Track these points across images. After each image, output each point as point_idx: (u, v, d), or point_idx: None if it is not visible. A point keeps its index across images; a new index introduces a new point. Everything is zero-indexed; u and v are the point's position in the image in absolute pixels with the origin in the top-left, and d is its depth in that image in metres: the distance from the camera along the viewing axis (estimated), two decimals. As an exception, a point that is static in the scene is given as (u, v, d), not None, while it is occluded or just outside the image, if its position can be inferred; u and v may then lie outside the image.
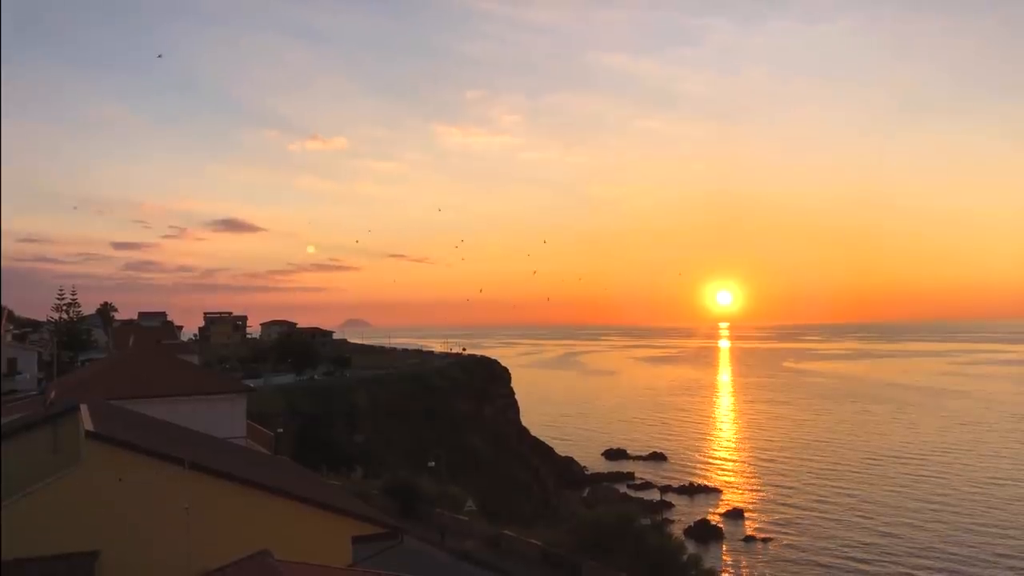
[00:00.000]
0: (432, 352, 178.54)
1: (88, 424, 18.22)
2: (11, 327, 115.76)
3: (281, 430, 59.30)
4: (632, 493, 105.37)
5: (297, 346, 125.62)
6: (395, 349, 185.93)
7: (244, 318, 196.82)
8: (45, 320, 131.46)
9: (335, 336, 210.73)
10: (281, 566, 13.65)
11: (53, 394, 37.45)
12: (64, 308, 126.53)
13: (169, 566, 16.06)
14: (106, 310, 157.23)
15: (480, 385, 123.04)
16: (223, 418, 36.96)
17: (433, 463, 54.75)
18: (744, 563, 76.93)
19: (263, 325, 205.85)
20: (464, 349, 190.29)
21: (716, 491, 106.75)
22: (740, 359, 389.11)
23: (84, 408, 20.46)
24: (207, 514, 17.83)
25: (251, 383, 59.84)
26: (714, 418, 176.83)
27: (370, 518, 20.92)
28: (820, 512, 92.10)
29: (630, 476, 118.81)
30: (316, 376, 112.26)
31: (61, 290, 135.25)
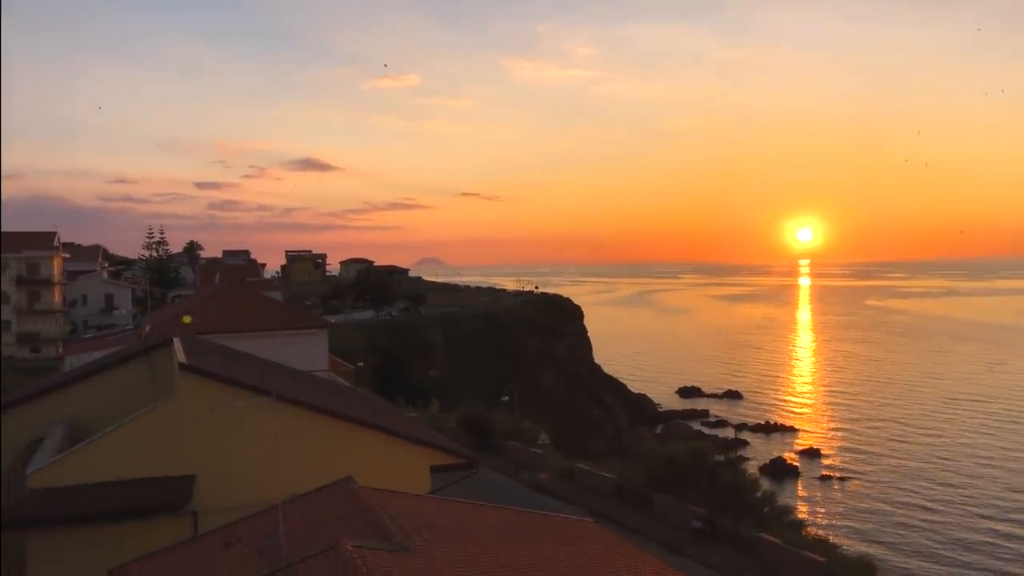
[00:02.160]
0: (504, 290, 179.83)
1: (181, 357, 19.19)
2: (107, 264, 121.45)
3: (361, 364, 61.11)
4: (706, 431, 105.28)
5: (374, 284, 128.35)
6: (468, 287, 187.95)
7: (323, 256, 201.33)
8: (137, 258, 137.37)
9: (410, 274, 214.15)
10: (364, 492, 14.29)
11: (148, 328, 39.42)
12: (154, 247, 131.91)
13: (259, 491, 16.96)
14: (192, 248, 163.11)
15: (552, 323, 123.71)
16: (306, 352, 38.28)
17: (507, 397, 55.72)
18: (820, 502, 76.53)
19: (342, 263, 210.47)
20: (536, 287, 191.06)
21: (792, 430, 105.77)
22: (819, 297, 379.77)
23: (177, 342, 21.51)
24: (294, 443, 18.69)
25: (331, 319, 61.67)
26: (791, 357, 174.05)
27: (448, 449, 21.59)
28: (898, 453, 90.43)
29: (704, 414, 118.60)
30: (393, 313, 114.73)
31: (150, 229, 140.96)
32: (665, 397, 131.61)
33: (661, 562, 13.84)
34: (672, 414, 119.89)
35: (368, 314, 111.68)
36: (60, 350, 74.54)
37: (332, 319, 64.86)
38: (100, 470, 17.55)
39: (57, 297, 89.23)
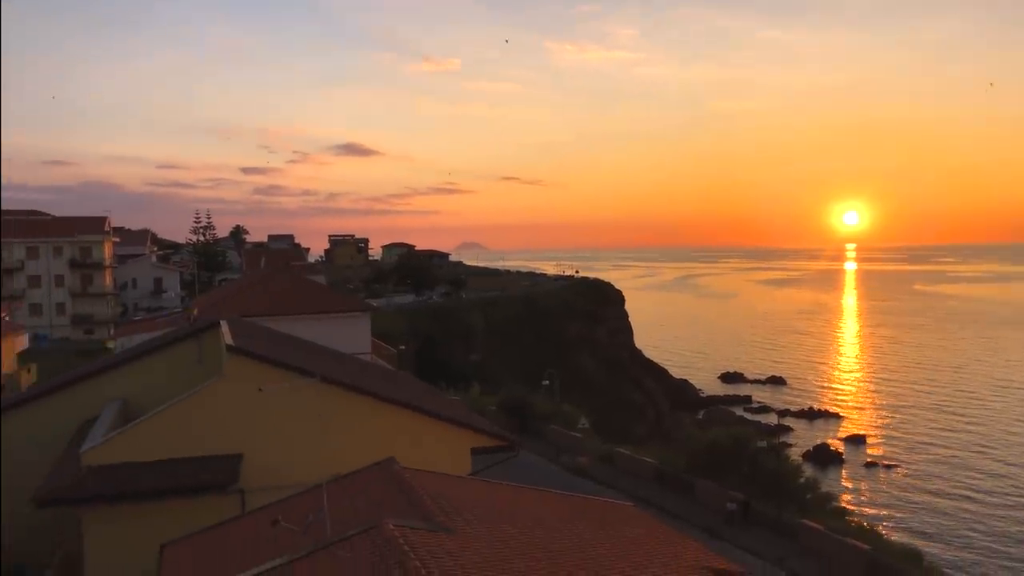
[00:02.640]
0: (544, 274, 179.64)
1: (229, 339, 19.58)
2: (155, 248, 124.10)
3: (403, 347, 61.69)
4: (749, 416, 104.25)
5: (416, 268, 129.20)
6: (508, 272, 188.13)
7: (366, 240, 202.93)
8: (185, 242, 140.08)
9: (451, 258, 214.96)
10: (406, 473, 14.49)
11: (196, 311, 40.24)
12: (201, 231, 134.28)
13: (303, 469, 17.30)
14: (238, 233, 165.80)
15: (592, 307, 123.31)
16: (349, 335, 38.75)
17: (547, 382, 55.83)
18: (864, 490, 75.42)
19: (384, 247, 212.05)
20: (577, 271, 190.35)
21: (836, 416, 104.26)
22: (866, 282, 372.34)
23: (224, 324, 21.95)
24: (337, 423, 19.00)
25: (374, 303, 62.32)
26: (836, 342, 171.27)
27: (488, 431, 21.75)
28: (945, 442, 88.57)
29: (747, 399, 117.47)
30: (434, 297, 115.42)
31: (197, 214, 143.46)
32: (707, 382, 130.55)
33: (702, 547, 13.83)
34: (714, 399, 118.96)
35: (409, 298, 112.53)
36: (112, 332, 76.53)
37: (374, 303, 65.55)
38: (151, 448, 18.06)
39: (108, 280, 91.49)
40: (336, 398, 19.02)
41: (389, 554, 10.15)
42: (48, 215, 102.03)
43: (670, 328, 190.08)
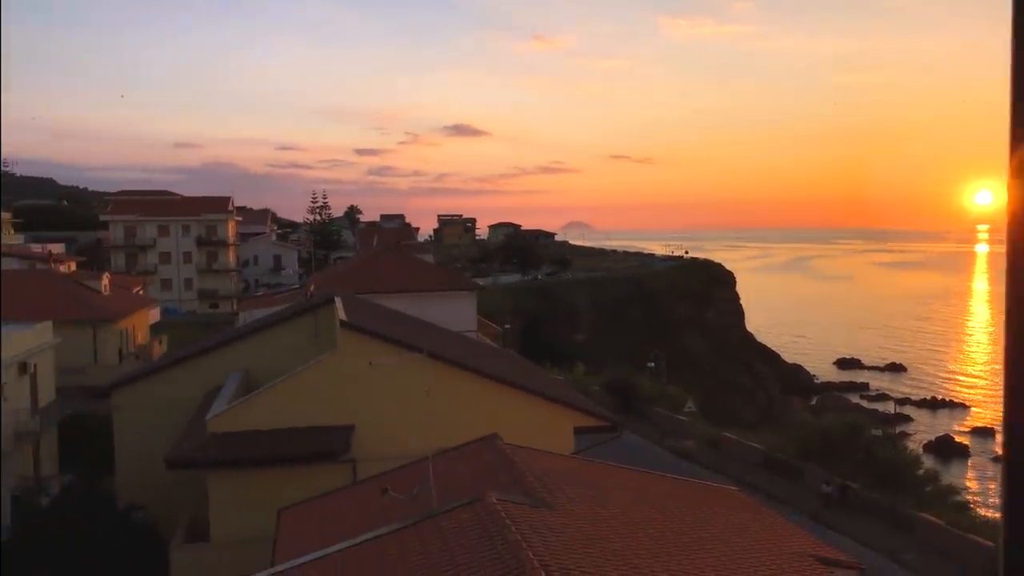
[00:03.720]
0: (653, 255, 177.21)
1: (342, 315, 20.38)
2: (275, 227, 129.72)
3: (508, 326, 62.39)
4: (865, 404, 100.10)
5: (521, 248, 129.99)
6: (615, 251, 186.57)
7: (473, 220, 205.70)
8: (302, 222, 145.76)
9: (557, 238, 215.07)
10: (509, 449, 14.76)
11: (312, 288, 41.93)
12: (317, 211, 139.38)
13: (410, 442, 17.86)
14: (352, 212, 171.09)
15: (702, 289, 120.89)
16: (456, 313, 39.52)
17: (653, 363, 55.27)
18: (992, 484, 71.34)
19: (490, 227, 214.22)
20: (686, 252, 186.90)
21: (962, 407, 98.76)
22: (998, 265, 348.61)
23: (338, 300, 22.82)
24: (443, 398, 19.49)
25: (480, 282, 63.29)
26: (962, 329, 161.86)
27: (591, 411, 21.83)
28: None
29: (864, 387, 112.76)
30: (539, 276, 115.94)
31: (314, 194, 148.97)
32: (822, 368, 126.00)
33: (808, 534, 13.51)
34: (829, 386, 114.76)
35: (515, 277, 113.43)
36: (234, 306, 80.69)
37: (480, 282, 66.51)
38: (270, 418, 19.05)
39: (232, 257, 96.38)
40: (442, 374, 19.51)
41: (491, 527, 10.41)
42: (177, 195, 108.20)
43: (783, 311, 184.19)
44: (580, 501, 12.34)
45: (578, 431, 21.25)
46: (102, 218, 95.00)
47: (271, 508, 15.72)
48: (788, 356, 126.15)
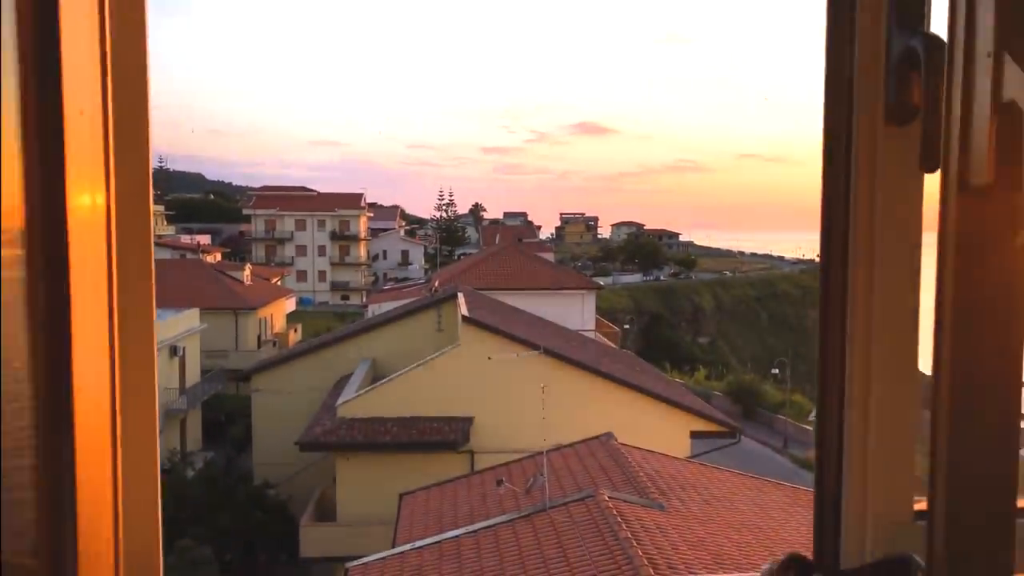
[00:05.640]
0: (782, 257, 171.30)
1: (464, 310, 21.05)
2: (403, 223, 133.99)
3: (628, 326, 62.07)
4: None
5: (644, 247, 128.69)
6: (742, 253, 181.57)
7: (595, 219, 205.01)
8: (429, 218, 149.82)
9: (682, 238, 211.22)
10: (623, 448, 14.90)
11: (437, 283, 43.21)
12: (443, 208, 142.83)
13: (525, 437, 18.25)
14: (476, 210, 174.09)
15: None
16: (574, 312, 39.72)
17: (778, 370, 53.65)
18: None
19: (613, 226, 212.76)
20: (818, 255, 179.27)
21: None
22: None
23: (461, 296, 23.55)
24: (559, 395, 19.78)
25: (600, 281, 63.21)
26: None
27: (709, 416, 21.61)
28: None
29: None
30: (662, 277, 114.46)
31: (441, 191, 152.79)
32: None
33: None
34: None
35: (636, 277, 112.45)
36: (364, 299, 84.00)
37: (601, 281, 66.40)
38: (394, 406, 19.93)
39: (363, 252, 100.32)
40: (558, 371, 19.81)
41: (603, 523, 10.62)
42: (314, 191, 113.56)
43: (923, 319, 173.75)
44: (692, 503, 12.35)
45: (695, 435, 21.07)
46: (245, 212, 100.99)
47: (393, 492, 16.49)
48: (925, 367, 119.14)
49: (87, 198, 0.95)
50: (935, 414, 0.97)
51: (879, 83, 0.99)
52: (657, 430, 19.88)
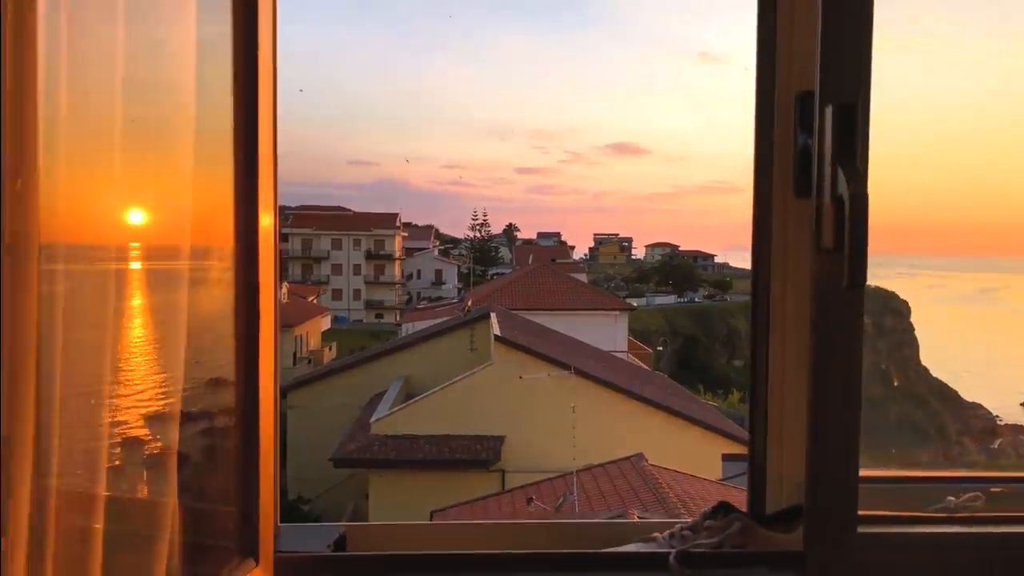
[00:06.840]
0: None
1: (496, 329, 21.30)
2: (438, 243, 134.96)
3: (660, 348, 61.78)
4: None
5: (678, 268, 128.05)
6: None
7: (629, 240, 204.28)
8: (463, 238, 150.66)
9: (717, 260, 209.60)
10: (653, 470, 14.96)
11: (469, 302, 43.54)
12: (477, 228, 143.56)
13: (556, 456, 18.37)
14: (510, 230, 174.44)
15: (872, 318, 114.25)
16: (606, 333, 39.74)
17: (813, 394, 52.90)
18: None
19: (647, 247, 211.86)
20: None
21: None
22: None
23: (493, 316, 23.81)
24: (590, 416, 19.89)
25: (634, 302, 63.08)
26: None
27: (741, 439, 21.50)
28: None
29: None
30: (696, 299, 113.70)
31: (475, 212, 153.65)
32: (1008, 409, 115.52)
33: None
34: (1015, 428, 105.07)
35: (670, 299, 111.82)
36: (398, 317, 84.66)
37: (634, 302, 66.21)
38: (427, 423, 20.18)
39: (397, 271, 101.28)
40: (589, 391, 19.92)
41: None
42: (349, 211, 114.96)
43: (964, 346, 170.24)
44: (722, 525, 12.37)
45: (727, 457, 20.98)
46: (283, 231, 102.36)
47: (424, 509, 16.69)
48: (968, 395, 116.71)
49: (267, 219, 1.26)
50: (809, 407, 1.45)
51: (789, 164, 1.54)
52: (688, 452, 19.87)
